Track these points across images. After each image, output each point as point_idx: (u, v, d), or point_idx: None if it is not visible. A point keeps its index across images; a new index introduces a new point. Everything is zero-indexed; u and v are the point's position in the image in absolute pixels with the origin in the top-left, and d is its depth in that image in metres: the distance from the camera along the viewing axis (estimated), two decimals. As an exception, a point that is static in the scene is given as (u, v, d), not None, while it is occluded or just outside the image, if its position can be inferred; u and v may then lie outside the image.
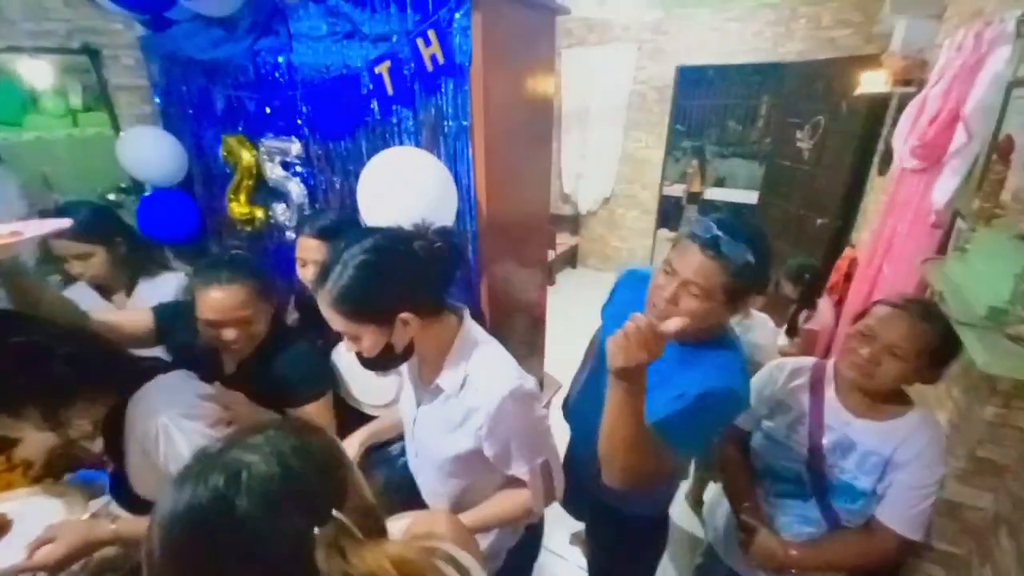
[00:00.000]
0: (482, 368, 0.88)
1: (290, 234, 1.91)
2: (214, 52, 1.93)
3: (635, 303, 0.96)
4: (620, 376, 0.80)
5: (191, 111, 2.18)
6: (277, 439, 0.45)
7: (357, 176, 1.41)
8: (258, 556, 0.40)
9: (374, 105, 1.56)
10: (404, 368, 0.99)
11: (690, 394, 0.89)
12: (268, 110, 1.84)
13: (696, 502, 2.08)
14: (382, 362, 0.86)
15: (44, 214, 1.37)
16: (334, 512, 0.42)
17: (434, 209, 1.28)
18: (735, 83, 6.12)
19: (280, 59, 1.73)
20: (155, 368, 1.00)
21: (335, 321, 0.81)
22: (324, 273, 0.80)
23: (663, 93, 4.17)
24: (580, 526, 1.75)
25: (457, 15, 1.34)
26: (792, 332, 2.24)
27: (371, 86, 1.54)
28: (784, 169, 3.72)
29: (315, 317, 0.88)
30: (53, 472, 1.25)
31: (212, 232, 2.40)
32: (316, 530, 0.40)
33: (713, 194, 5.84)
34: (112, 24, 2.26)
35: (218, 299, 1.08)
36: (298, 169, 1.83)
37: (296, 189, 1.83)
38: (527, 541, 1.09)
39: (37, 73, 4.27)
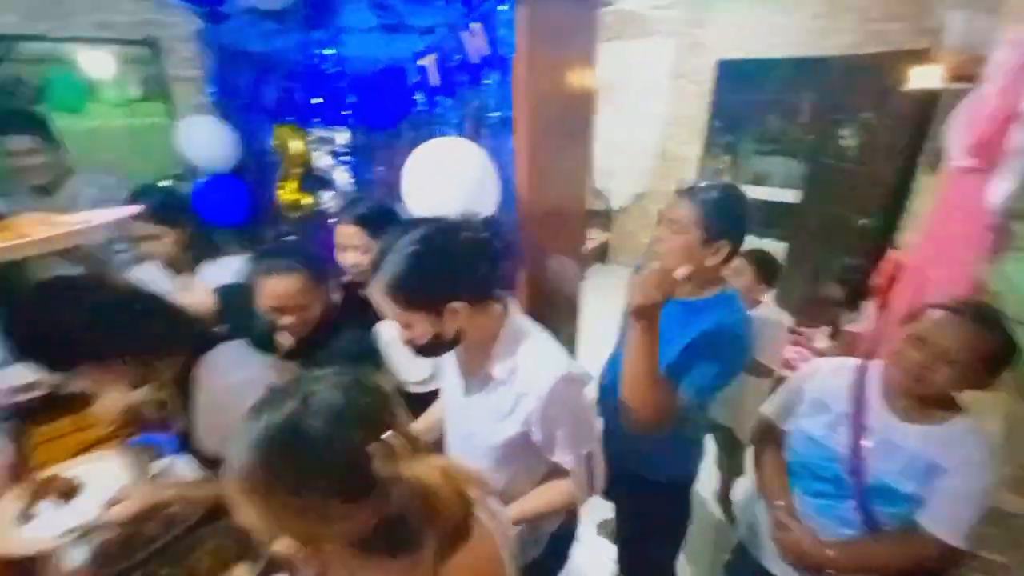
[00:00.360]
0: (532, 355, 0.90)
1: (335, 220, 1.98)
2: (267, 44, 2.02)
3: None
4: (638, 315, 0.93)
5: (243, 101, 2.27)
6: (338, 375, 0.55)
7: (401, 166, 1.46)
8: (325, 467, 0.48)
9: (419, 96, 1.60)
10: (447, 357, 1.02)
11: (695, 339, 1.02)
12: (317, 101, 1.92)
13: (724, 499, 2.07)
14: (432, 349, 0.89)
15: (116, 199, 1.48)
16: (385, 434, 0.50)
17: (476, 200, 1.31)
18: (777, 78, 5.91)
19: (329, 52, 1.80)
20: (221, 336, 1.08)
21: (387, 309, 0.84)
22: (377, 262, 0.82)
23: (702, 87, 4.09)
24: (608, 515, 1.77)
25: (502, 7, 1.36)
26: (835, 334, 2.19)
27: (417, 78, 1.58)
28: (827, 167, 3.60)
29: (355, 299, 0.92)
30: (120, 434, 1.35)
31: (261, 217, 2.51)
32: (371, 446, 0.48)
33: (750, 192, 5.66)
34: (171, 17, 2.38)
35: (278, 288, 1.14)
36: (345, 158, 1.90)
37: (342, 177, 1.90)
38: (566, 526, 1.12)
39: (98, 63, 4.52)
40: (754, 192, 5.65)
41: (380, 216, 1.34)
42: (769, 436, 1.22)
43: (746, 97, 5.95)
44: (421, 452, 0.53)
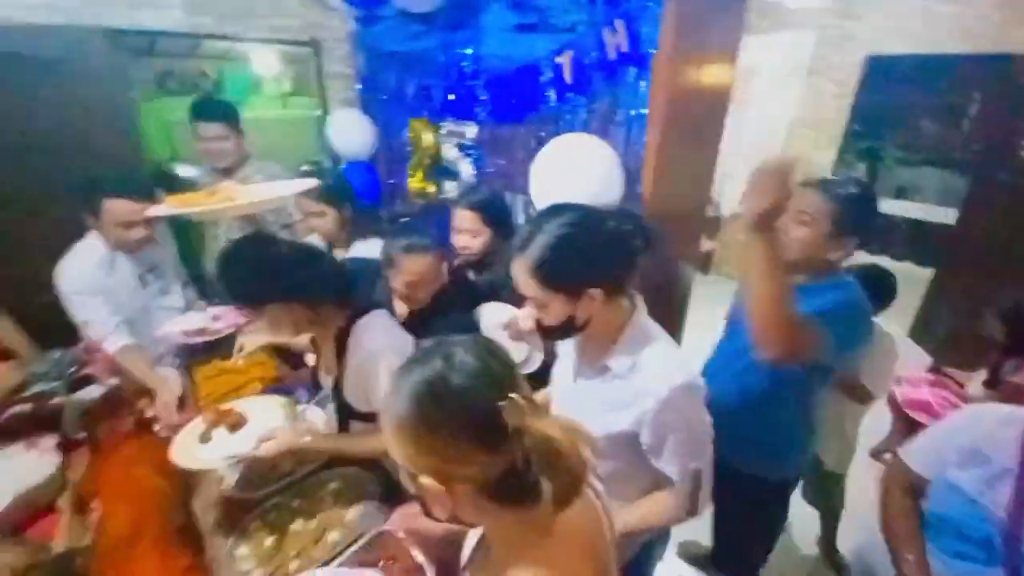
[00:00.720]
0: (657, 357, 0.90)
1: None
2: (411, 45, 2.21)
3: None
4: (758, 224, 0.90)
5: (385, 96, 2.52)
6: (472, 341, 0.63)
7: (523, 160, 1.54)
8: (464, 416, 0.57)
9: (550, 93, 1.66)
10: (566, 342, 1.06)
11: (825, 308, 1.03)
12: (451, 97, 2.06)
13: (828, 545, 1.88)
14: (559, 332, 0.93)
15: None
16: (512, 394, 0.57)
17: (601, 195, 1.34)
18: (940, 76, 5.11)
19: (468, 50, 1.93)
20: (374, 303, 1.23)
21: (528, 287, 0.86)
22: (524, 241, 0.85)
23: (843, 86, 3.69)
24: (689, 535, 1.73)
25: (649, 3, 1.36)
26: (993, 383, 1.88)
27: (550, 75, 1.64)
28: (997, 184, 3.07)
29: (459, 282, 0.98)
30: (265, 379, 1.58)
31: (386, 201, 2.77)
32: (501, 403, 0.55)
33: (890, 207, 4.91)
34: (331, 21, 2.70)
35: (416, 265, 1.29)
36: (470, 151, 2.03)
37: (467, 169, 2.03)
38: (657, 536, 1.12)
39: (263, 61, 5.24)
40: (896, 207, 4.97)
41: (493, 204, 1.49)
42: (901, 481, 1.10)
43: (897, 98, 5.21)
44: (543, 412, 0.59)
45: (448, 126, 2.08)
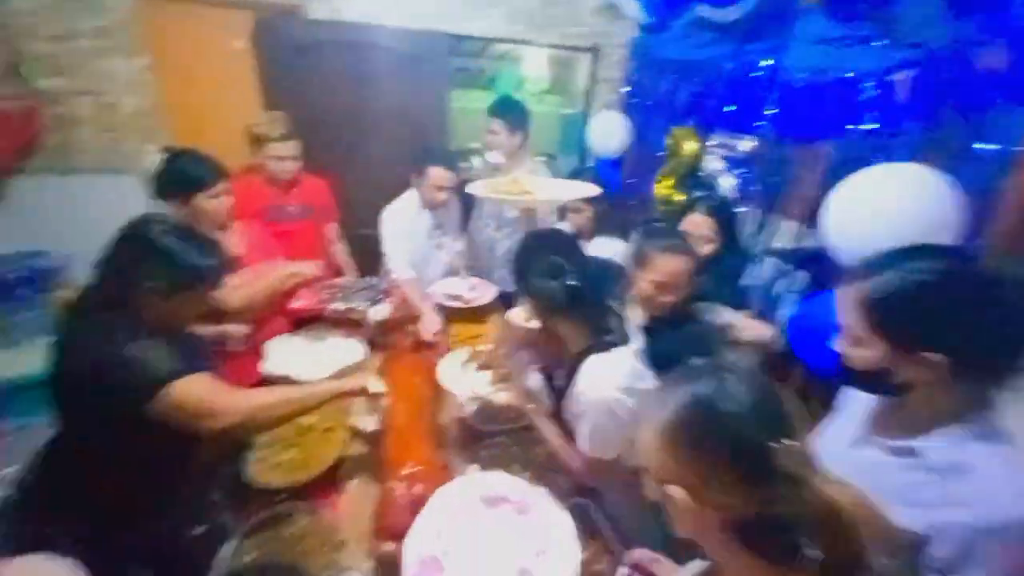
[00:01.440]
0: (997, 462, 0.71)
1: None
2: (696, 53, 2.19)
3: None
4: None
5: (650, 102, 2.57)
6: (749, 372, 0.58)
7: (806, 182, 1.40)
8: (733, 444, 0.53)
9: (872, 114, 1.45)
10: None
11: None
12: (729, 108, 1.98)
13: None
14: (861, 378, 0.81)
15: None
16: (786, 440, 0.51)
17: (926, 238, 1.12)
18: None
19: (765, 61, 1.81)
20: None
21: (851, 316, 0.77)
22: (868, 271, 0.77)
23: None
24: None
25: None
26: None
27: (875, 92, 1.43)
28: None
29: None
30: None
31: (617, 201, 2.84)
32: (777, 443, 0.51)
33: None
34: (616, 28, 2.86)
35: (669, 265, 1.27)
36: (738, 166, 1.92)
37: (727, 183, 1.94)
38: None
39: (531, 63, 5.89)
40: None
41: (732, 213, 1.51)
42: None
43: None
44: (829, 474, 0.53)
45: (718, 137, 2.00)
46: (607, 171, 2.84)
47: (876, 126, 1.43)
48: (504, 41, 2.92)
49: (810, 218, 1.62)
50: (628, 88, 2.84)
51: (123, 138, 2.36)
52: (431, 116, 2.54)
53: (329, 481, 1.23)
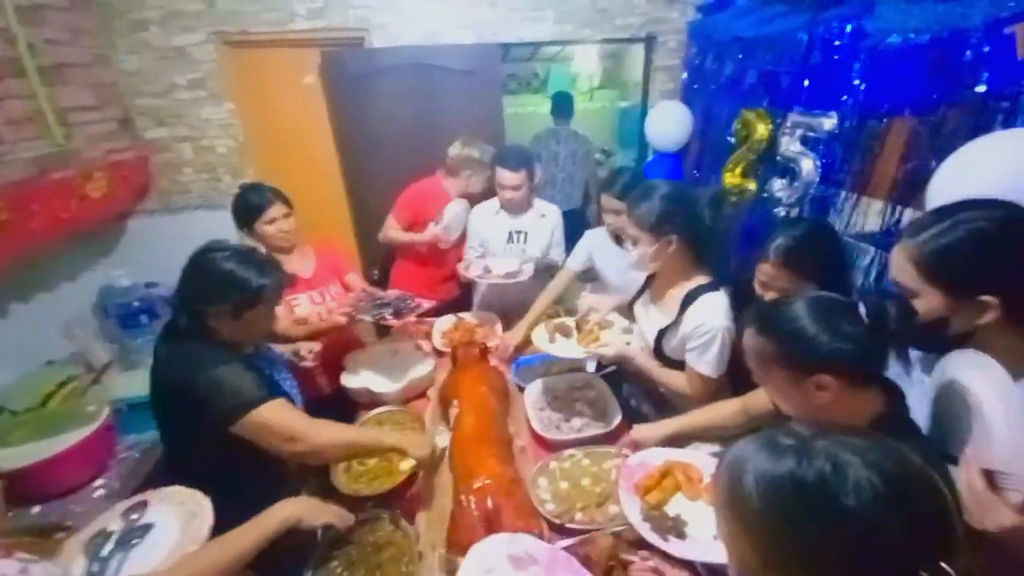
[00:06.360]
0: None
1: (780, 210, 1.89)
2: (764, 28, 2.02)
3: None
4: None
5: (713, 87, 2.41)
6: (881, 449, 0.44)
7: (904, 158, 1.23)
8: (856, 557, 0.40)
9: (982, 75, 1.25)
10: None
11: None
12: (806, 83, 1.80)
13: None
14: (923, 334, 0.81)
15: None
16: (943, 564, 0.37)
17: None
18: None
19: (847, 27, 1.63)
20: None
21: (904, 272, 0.80)
22: (918, 227, 0.80)
23: None
24: None
25: None
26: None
27: (985, 49, 1.23)
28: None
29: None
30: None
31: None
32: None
33: None
34: (671, 14, 2.72)
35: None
36: (819, 146, 1.74)
37: (808, 166, 1.76)
38: None
39: (582, 60, 5.81)
40: None
41: (814, 250, 1.22)
42: None
43: None
44: None
45: (794, 117, 1.83)
46: (668, 164, 2.71)
47: (984, 88, 1.22)
48: (555, 43, 2.87)
49: (905, 197, 1.44)
50: (688, 75, 2.69)
51: (218, 177, 2.64)
52: (487, 125, 2.57)
53: (409, 491, 1.28)
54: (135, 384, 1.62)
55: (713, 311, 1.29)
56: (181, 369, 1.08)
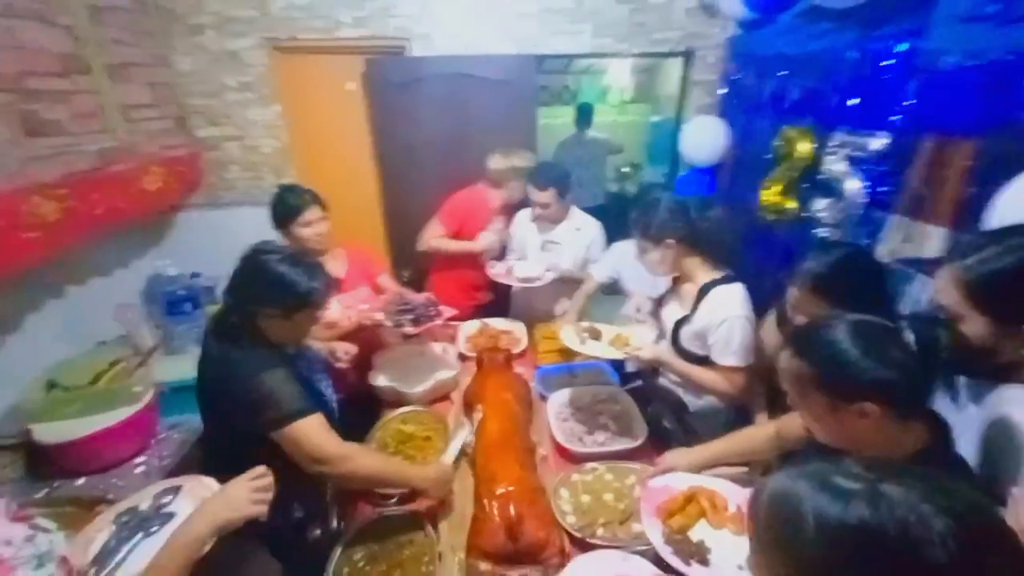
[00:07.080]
0: None
1: (826, 232, 1.83)
2: (811, 45, 1.99)
3: None
4: None
5: (752, 103, 2.37)
6: (950, 494, 0.42)
7: (952, 180, 1.21)
8: None
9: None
10: None
11: None
12: (853, 102, 1.76)
13: None
14: (972, 359, 0.79)
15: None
16: None
17: None
18: None
19: (899, 47, 1.58)
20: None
21: (948, 295, 0.79)
22: (966, 249, 0.78)
23: None
24: None
25: None
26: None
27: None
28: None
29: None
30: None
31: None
32: None
33: None
34: (710, 29, 2.70)
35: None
36: (867, 166, 1.69)
37: (853, 186, 1.71)
38: None
39: (615, 74, 5.80)
40: None
41: (847, 276, 1.15)
42: None
43: None
44: None
45: (840, 136, 1.78)
46: (700, 180, 2.68)
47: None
48: (593, 56, 2.88)
49: (960, 221, 1.39)
50: (725, 90, 2.66)
51: (262, 175, 2.74)
52: (520, 135, 2.60)
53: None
54: (178, 368, 1.69)
55: (728, 302, 1.38)
56: (230, 371, 1.11)
